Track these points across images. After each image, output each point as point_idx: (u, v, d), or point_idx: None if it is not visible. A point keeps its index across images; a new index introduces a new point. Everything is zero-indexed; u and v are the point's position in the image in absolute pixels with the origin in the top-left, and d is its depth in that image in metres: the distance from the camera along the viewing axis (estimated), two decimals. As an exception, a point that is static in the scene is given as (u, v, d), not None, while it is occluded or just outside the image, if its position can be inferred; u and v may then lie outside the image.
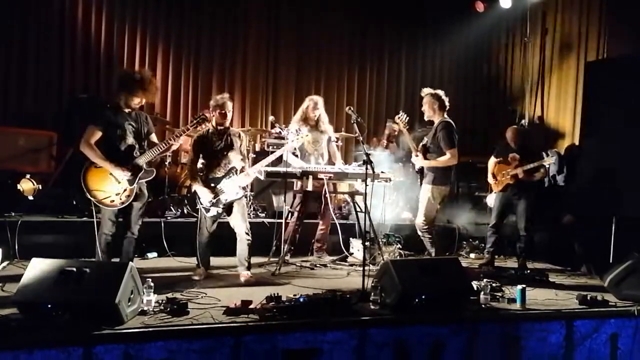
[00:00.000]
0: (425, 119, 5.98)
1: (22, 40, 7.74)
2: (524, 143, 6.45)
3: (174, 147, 5.04)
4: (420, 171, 5.88)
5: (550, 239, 7.20)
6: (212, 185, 5.06)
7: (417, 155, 5.77)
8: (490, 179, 6.54)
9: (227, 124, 5.21)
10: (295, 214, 6.11)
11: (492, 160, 6.57)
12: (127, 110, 4.77)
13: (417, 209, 5.85)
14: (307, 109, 6.26)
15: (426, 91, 5.89)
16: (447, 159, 5.62)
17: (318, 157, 6.21)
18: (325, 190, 5.78)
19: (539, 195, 6.42)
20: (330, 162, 6.35)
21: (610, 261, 5.94)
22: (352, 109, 5.68)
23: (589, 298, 4.55)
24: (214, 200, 5.03)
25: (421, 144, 5.87)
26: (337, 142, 7.17)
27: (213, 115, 5.16)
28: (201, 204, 5.10)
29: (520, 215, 6.24)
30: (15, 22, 7.68)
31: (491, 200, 6.75)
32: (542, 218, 7.07)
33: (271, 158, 5.42)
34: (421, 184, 5.88)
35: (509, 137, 6.49)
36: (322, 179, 5.68)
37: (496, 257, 6.52)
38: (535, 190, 6.36)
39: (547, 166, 6.17)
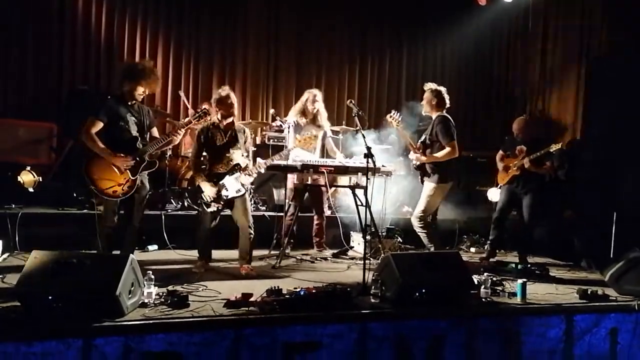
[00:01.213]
0: (423, 113, 5.99)
1: (21, 32, 7.70)
2: (531, 134, 6.39)
3: (176, 142, 5.04)
4: (419, 168, 5.85)
5: (550, 233, 7.19)
6: (215, 180, 5.06)
7: (415, 153, 5.74)
8: (500, 171, 6.48)
9: (234, 115, 5.20)
10: (291, 207, 6.12)
11: (500, 154, 6.54)
12: (130, 102, 4.77)
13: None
14: (305, 102, 6.26)
15: (428, 86, 5.88)
16: (447, 152, 5.60)
17: (311, 151, 6.18)
18: (320, 184, 5.79)
19: (542, 190, 6.39)
20: (328, 157, 6.32)
21: (611, 256, 5.94)
22: (353, 102, 5.66)
23: (589, 292, 4.56)
24: (215, 196, 5.03)
25: (419, 141, 5.85)
26: (337, 135, 7.12)
27: (217, 110, 5.14)
28: (202, 198, 5.09)
29: (527, 209, 6.20)
30: (15, 13, 7.64)
31: (492, 194, 6.74)
32: (543, 213, 7.06)
33: (283, 153, 5.48)
34: (421, 181, 5.86)
35: (515, 128, 6.43)
36: (323, 172, 5.68)
37: (497, 251, 6.53)
38: (541, 185, 6.33)
39: (553, 152, 6.05)
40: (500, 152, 6.54)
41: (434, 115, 5.77)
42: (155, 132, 5.00)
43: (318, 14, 9.61)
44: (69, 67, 8.03)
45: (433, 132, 5.70)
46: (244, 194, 5.13)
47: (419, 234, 5.77)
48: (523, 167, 6.09)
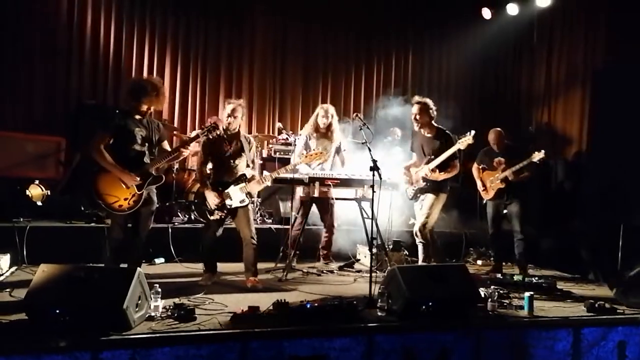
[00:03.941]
0: (416, 128, 5.83)
1: (30, 46, 7.77)
2: (508, 144, 6.40)
3: (184, 155, 5.06)
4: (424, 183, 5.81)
5: (558, 245, 7.17)
6: (220, 189, 5.09)
7: (433, 172, 5.64)
8: (479, 187, 6.46)
9: (237, 128, 5.25)
10: (299, 219, 6.13)
11: (475, 167, 6.52)
12: (138, 117, 4.80)
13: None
14: (317, 117, 6.28)
15: (420, 99, 5.79)
16: (457, 169, 5.68)
17: (322, 164, 6.18)
18: (329, 197, 5.79)
19: (527, 198, 6.38)
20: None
21: (618, 268, 5.91)
22: (359, 115, 5.67)
23: (596, 305, 4.54)
24: (219, 205, 5.06)
25: (428, 157, 5.76)
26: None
27: (227, 118, 5.20)
28: (205, 206, 5.12)
29: (514, 219, 6.21)
30: (23, 28, 7.71)
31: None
32: (550, 225, 7.04)
33: (289, 167, 5.51)
34: (414, 196, 5.86)
35: (492, 140, 6.42)
36: (330, 185, 5.70)
37: (504, 263, 6.49)
38: (526, 193, 6.31)
39: (538, 161, 6.02)
40: (475, 164, 6.53)
41: (434, 130, 5.74)
42: (166, 145, 5.02)
43: (323, 24, 9.69)
44: (77, 82, 8.09)
45: (437, 147, 5.67)
46: (247, 205, 5.16)
47: (421, 245, 5.77)
48: (507, 179, 6.09)
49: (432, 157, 5.70)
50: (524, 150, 6.37)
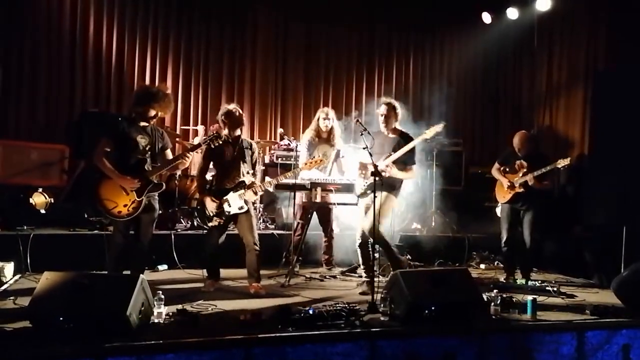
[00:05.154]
0: (383, 129, 5.57)
1: (33, 55, 7.83)
2: (533, 149, 6.23)
3: (185, 165, 5.06)
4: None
5: (561, 249, 7.15)
6: (219, 195, 5.11)
7: (390, 168, 5.30)
8: (505, 188, 6.08)
9: (241, 128, 5.29)
10: (298, 225, 6.14)
11: (496, 168, 6.28)
12: (142, 124, 4.83)
13: (383, 217, 5.33)
14: (318, 120, 6.32)
15: (389, 100, 5.58)
16: (412, 173, 5.48)
17: (322, 170, 6.17)
18: (328, 203, 5.79)
19: (546, 206, 6.28)
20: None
21: (622, 271, 5.90)
22: (359, 121, 5.66)
23: (600, 308, 4.53)
24: (218, 211, 5.07)
25: (391, 158, 5.40)
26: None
27: (225, 123, 5.22)
28: (204, 212, 5.14)
29: (527, 227, 6.06)
30: (27, 36, 7.78)
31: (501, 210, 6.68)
32: (552, 229, 7.02)
33: (289, 174, 5.52)
34: (362, 194, 5.52)
35: (516, 143, 6.18)
36: (331, 190, 5.70)
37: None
38: (542, 201, 6.18)
39: (561, 168, 5.87)
40: (497, 165, 6.31)
41: (397, 132, 5.53)
42: (169, 154, 5.05)
43: (325, 25, 9.70)
44: (81, 90, 8.13)
45: (398, 144, 5.39)
46: (247, 211, 5.16)
47: (382, 245, 5.42)
48: (526, 183, 5.93)
49: (392, 153, 5.39)
50: (548, 158, 6.11)
